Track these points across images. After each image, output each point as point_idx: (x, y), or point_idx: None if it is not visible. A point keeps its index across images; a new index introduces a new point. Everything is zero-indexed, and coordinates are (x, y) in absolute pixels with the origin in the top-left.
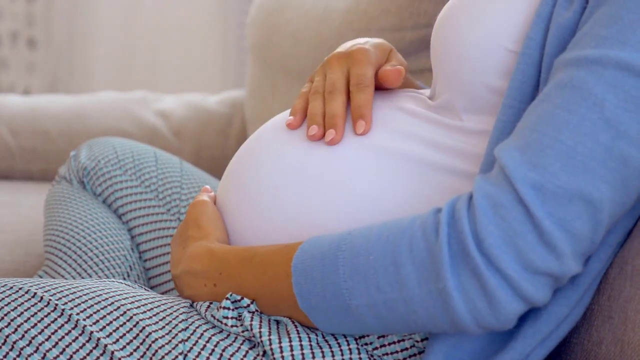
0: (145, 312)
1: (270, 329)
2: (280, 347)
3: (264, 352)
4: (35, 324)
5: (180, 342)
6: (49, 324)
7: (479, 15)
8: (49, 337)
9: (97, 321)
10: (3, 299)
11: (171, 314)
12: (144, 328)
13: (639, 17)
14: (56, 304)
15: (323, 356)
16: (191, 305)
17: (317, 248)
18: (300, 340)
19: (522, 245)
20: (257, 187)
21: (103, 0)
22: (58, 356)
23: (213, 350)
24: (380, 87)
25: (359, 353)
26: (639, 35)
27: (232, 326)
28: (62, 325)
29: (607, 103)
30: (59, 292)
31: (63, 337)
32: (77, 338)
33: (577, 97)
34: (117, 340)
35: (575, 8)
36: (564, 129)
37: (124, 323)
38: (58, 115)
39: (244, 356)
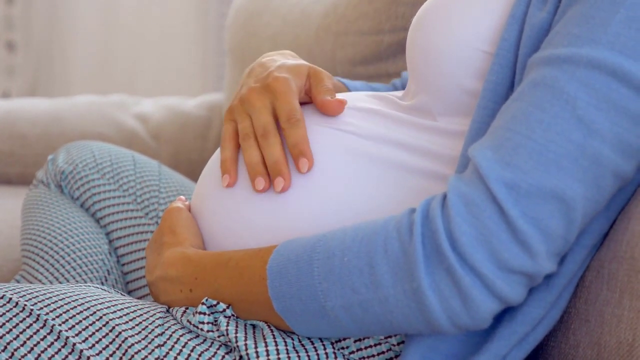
0: (121, 317)
1: (246, 333)
2: (256, 352)
3: (240, 357)
4: (11, 330)
5: (156, 347)
6: (24, 330)
7: (453, 18)
8: (24, 342)
9: (73, 326)
10: None
11: (147, 319)
12: (120, 333)
13: (610, 16)
14: (31, 309)
15: None
16: (167, 311)
17: (292, 250)
18: (277, 345)
19: (495, 244)
20: (232, 191)
21: (82, 4)
22: None
23: (189, 355)
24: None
25: (335, 357)
26: (611, 34)
27: (208, 331)
28: (38, 330)
29: (579, 101)
30: (34, 297)
31: (38, 342)
32: (52, 343)
33: (550, 96)
34: (93, 345)
35: (549, 8)
36: (536, 128)
37: (100, 328)
38: (35, 119)
39: None
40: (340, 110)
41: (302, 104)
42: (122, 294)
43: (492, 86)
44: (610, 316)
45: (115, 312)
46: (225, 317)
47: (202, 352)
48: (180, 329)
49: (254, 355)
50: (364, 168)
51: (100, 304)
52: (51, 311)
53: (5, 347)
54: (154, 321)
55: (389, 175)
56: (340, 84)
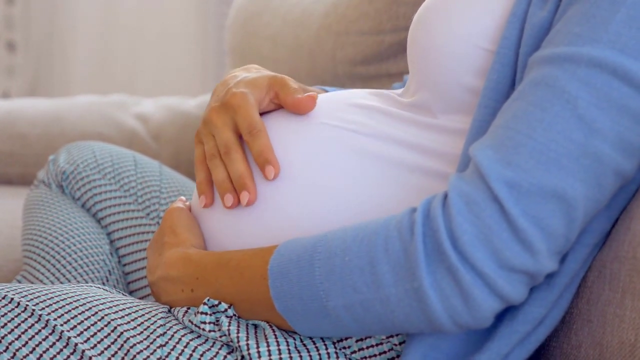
0: (123, 317)
1: (248, 333)
2: (258, 352)
3: (242, 357)
4: (12, 330)
5: (158, 347)
6: (26, 330)
7: (454, 15)
8: (26, 342)
9: (75, 326)
10: None
11: (149, 319)
12: (121, 333)
13: (611, 15)
14: (33, 310)
15: None
16: (169, 311)
17: (293, 250)
18: (278, 345)
19: (497, 243)
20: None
21: (82, 4)
22: None
23: (191, 355)
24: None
25: (337, 357)
26: (611, 32)
27: (209, 331)
28: (40, 330)
29: (580, 101)
30: (36, 298)
31: (40, 342)
32: (54, 344)
33: (550, 95)
34: (95, 345)
35: (550, 7)
36: (537, 127)
37: (102, 328)
38: (36, 119)
39: None
40: (311, 105)
41: (265, 113)
42: (123, 294)
43: (493, 85)
44: (613, 316)
45: (117, 312)
46: (227, 317)
47: (204, 352)
48: (182, 329)
49: (256, 355)
50: (364, 166)
51: (102, 304)
52: (53, 311)
53: (7, 347)
54: (155, 321)
55: (390, 173)
56: (320, 90)
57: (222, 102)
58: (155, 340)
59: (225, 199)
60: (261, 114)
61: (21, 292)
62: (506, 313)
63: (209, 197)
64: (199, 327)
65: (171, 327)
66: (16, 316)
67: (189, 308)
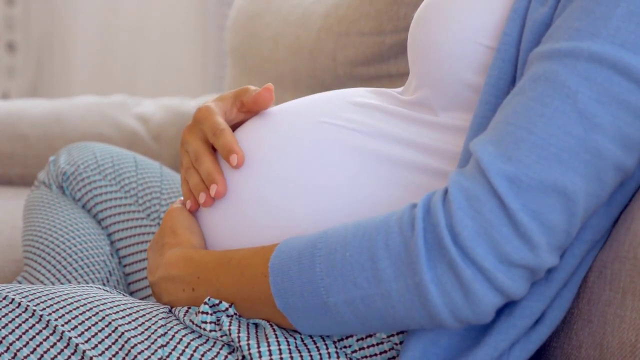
0: (124, 317)
1: (248, 333)
2: (259, 352)
3: (243, 356)
4: (13, 330)
5: (159, 347)
6: (27, 330)
7: (454, 12)
8: (27, 343)
9: (76, 327)
10: None
11: (150, 319)
12: (122, 333)
13: (610, 10)
14: (34, 310)
15: None
16: (170, 311)
17: (294, 247)
18: (279, 345)
19: (497, 238)
20: (233, 191)
21: (82, 4)
22: None
23: (192, 355)
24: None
25: (338, 356)
26: (611, 27)
27: (210, 331)
28: (40, 331)
29: (580, 95)
30: (37, 298)
31: (41, 343)
32: (55, 344)
33: (551, 90)
34: (96, 345)
35: (551, 3)
36: (537, 122)
37: (103, 328)
38: (36, 120)
39: None
40: (269, 96)
41: (234, 126)
42: (124, 295)
43: (494, 81)
44: (613, 317)
45: (117, 312)
46: (227, 316)
47: (204, 352)
48: (183, 328)
49: (257, 355)
50: (363, 165)
51: (102, 304)
52: (54, 312)
53: (8, 348)
54: (156, 321)
55: (389, 171)
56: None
57: (192, 121)
58: (156, 340)
59: (199, 198)
60: (237, 125)
61: (22, 292)
62: (504, 308)
63: (194, 202)
64: (200, 327)
65: (172, 327)
66: (17, 317)
67: (189, 308)
